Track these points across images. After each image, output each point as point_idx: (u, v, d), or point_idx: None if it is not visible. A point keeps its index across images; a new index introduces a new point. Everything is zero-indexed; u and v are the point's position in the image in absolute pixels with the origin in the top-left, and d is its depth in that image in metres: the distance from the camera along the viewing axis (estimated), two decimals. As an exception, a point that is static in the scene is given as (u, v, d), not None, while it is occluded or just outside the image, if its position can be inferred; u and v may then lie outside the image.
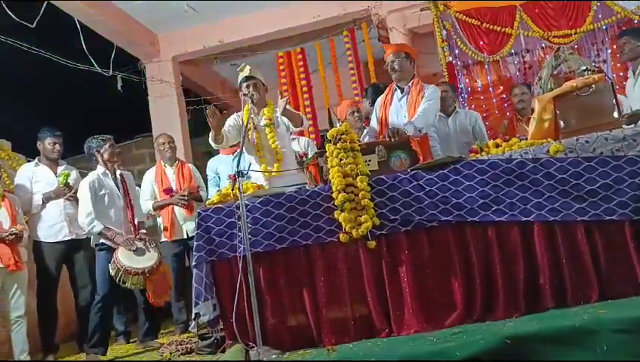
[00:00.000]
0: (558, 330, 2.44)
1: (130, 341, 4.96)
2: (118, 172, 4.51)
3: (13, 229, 4.20)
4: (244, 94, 3.83)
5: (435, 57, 7.17)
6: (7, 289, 4.33)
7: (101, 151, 4.43)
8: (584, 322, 2.46)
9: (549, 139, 3.15)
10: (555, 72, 3.36)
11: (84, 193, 4.28)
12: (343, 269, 3.16)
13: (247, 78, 3.87)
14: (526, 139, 3.33)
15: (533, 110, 5.10)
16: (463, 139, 4.63)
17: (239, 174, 3.18)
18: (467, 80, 7.56)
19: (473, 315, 3.01)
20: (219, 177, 5.11)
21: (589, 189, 2.97)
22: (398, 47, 4.25)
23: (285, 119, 3.90)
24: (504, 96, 7.61)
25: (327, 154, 3.30)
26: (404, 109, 4.05)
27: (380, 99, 4.26)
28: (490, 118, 7.28)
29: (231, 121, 3.99)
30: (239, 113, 3.99)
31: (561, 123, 3.18)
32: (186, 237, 4.97)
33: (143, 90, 7.33)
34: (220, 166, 5.17)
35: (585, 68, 3.24)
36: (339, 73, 7.15)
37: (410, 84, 4.08)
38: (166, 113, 7.17)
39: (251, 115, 3.79)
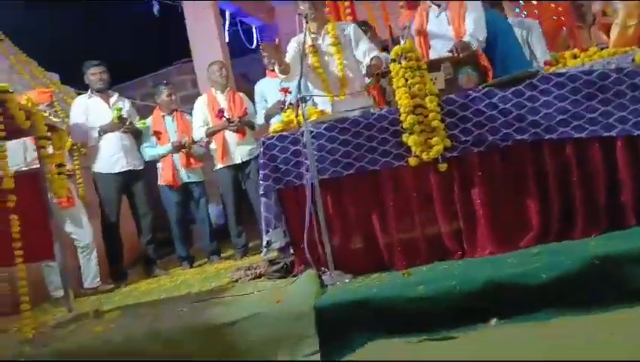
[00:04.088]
0: (650, 250, 2.36)
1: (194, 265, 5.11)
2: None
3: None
4: (299, 13, 3.64)
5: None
6: (67, 223, 4.45)
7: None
8: (677, 241, 2.37)
9: (633, 47, 2.92)
10: (639, -28, 3.06)
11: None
12: (412, 193, 3.09)
13: None
14: (605, 47, 3.10)
15: (595, 16, 4.79)
16: None
17: (302, 100, 3.08)
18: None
19: (549, 235, 2.93)
20: (266, 100, 5.00)
21: (678, 100, 2.78)
22: None
23: (353, 37, 3.72)
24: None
25: (391, 74, 3.15)
26: (444, 25, 3.79)
27: (416, 18, 3.99)
28: (545, 25, 6.85)
29: (290, 50, 3.83)
30: (297, 37, 3.80)
31: (648, 28, 2.93)
32: (239, 162, 4.97)
33: (180, 14, 7.13)
34: (267, 89, 5.04)
35: (675, -34, 2.94)
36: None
37: None
38: (204, 36, 6.98)
39: (309, 37, 3.62)
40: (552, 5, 6.60)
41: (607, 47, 3.09)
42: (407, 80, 3.06)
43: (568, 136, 2.90)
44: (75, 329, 3.11)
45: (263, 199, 3.23)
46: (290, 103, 3.67)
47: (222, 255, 5.22)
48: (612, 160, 2.89)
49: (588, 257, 2.40)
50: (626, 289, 2.30)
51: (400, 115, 3.04)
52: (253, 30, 9.53)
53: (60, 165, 3.22)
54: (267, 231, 3.23)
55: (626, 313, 2.23)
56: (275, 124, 3.54)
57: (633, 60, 2.82)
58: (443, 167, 3.01)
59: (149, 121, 5.05)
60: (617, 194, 2.89)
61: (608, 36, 3.48)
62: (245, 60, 8.62)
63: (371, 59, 3.68)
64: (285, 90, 4.47)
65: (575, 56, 3.06)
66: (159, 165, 5.05)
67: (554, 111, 2.91)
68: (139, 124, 4.92)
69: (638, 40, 2.97)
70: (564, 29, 4.91)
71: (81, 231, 4.54)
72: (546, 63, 3.13)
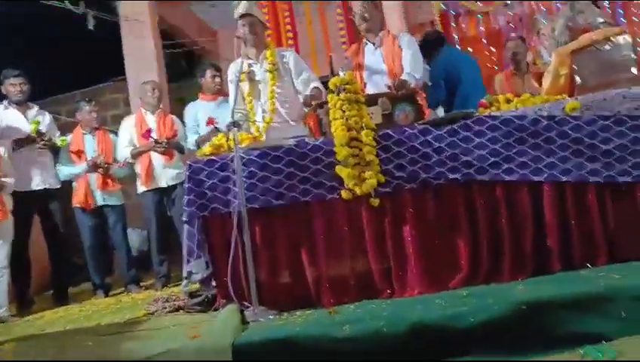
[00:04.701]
0: (575, 297, 2.34)
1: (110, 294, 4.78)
2: None
3: None
4: (238, 36, 3.52)
5: (423, 8, 6.90)
6: None
7: None
8: (600, 289, 2.37)
9: (564, 96, 3.00)
10: (570, 24, 3.17)
11: None
12: (343, 227, 3.00)
13: (243, 16, 3.56)
14: (537, 94, 3.17)
15: (528, 64, 4.99)
16: None
17: (234, 124, 2.95)
18: (457, 31, 7.36)
19: (478, 277, 2.90)
20: (198, 125, 4.83)
21: (604, 150, 2.84)
22: None
23: (292, 65, 3.64)
24: (492, 48, 7.45)
25: (329, 105, 3.08)
26: (380, 62, 3.81)
27: (353, 56, 4.00)
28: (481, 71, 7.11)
29: (230, 76, 3.70)
30: (236, 62, 3.65)
31: (578, 79, 3.02)
32: (164, 185, 4.74)
33: (117, 31, 6.87)
34: (200, 113, 4.87)
35: (603, 20, 3.06)
36: (325, 19, 6.82)
37: (380, 35, 3.86)
38: (142, 56, 6.72)
39: (247, 62, 3.50)
40: (487, 53, 6.88)
41: (539, 94, 3.15)
42: (344, 112, 3.00)
43: (499, 178, 2.91)
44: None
45: (186, 226, 3.04)
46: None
47: (143, 284, 4.93)
48: (540, 205, 2.92)
49: (515, 302, 2.35)
50: (552, 335, 2.26)
51: (335, 147, 2.97)
52: (194, 54, 9.34)
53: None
54: (188, 261, 3.03)
55: (552, 359, 2.19)
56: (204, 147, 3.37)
57: (564, 109, 2.88)
58: (375, 202, 2.94)
59: (69, 137, 4.75)
60: (544, 239, 2.90)
61: (540, 84, 3.59)
62: (182, 85, 8.41)
63: (311, 89, 3.61)
64: (211, 121, 4.34)
65: (508, 101, 3.10)
66: (75, 185, 4.74)
67: (486, 152, 2.92)
68: (58, 141, 4.61)
69: (569, 88, 3.06)
70: (499, 75, 5.05)
71: (4, 248, 4.12)
72: (480, 105, 3.15)
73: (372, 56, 3.87)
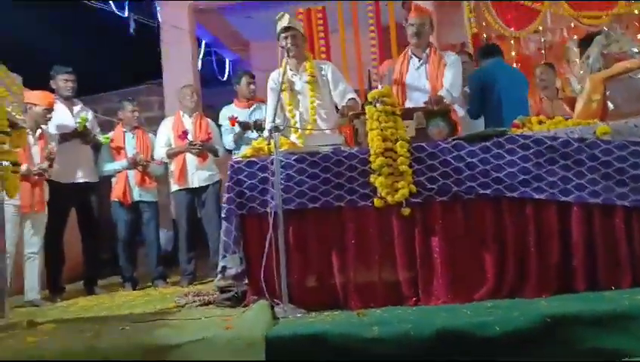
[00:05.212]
0: (599, 314, 2.42)
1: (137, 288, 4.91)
2: None
3: (42, 165, 4.13)
4: (282, 47, 3.68)
5: (455, 29, 7.00)
6: (24, 225, 4.24)
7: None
8: (625, 307, 2.45)
9: (595, 120, 3.09)
10: (604, 52, 3.27)
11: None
12: (374, 234, 3.11)
13: (286, 29, 3.71)
14: (569, 118, 3.27)
15: (558, 90, 5.07)
16: None
17: (276, 129, 3.09)
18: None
19: (503, 291, 2.98)
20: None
21: (632, 174, 2.92)
22: (425, 13, 4.04)
23: (330, 77, 3.79)
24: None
25: (366, 116, 3.20)
26: (422, 78, 3.88)
27: (396, 67, 4.09)
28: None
29: (271, 83, 3.86)
30: (276, 75, 3.82)
31: (610, 105, 3.11)
32: (196, 186, 4.89)
33: (156, 35, 7.12)
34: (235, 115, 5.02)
35: (637, 50, 3.16)
36: (359, 36, 6.97)
37: (427, 52, 3.92)
38: (179, 61, 6.96)
39: (288, 72, 3.65)
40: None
41: (571, 118, 3.25)
42: (380, 123, 3.12)
43: (528, 196, 3.00)
44: (5, 338, 2.91)
45: (224, 223, 3.17)
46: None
47: (169, 281, 5.06)
48: (567, 225, 3.00)
49: (541, 315, 2.43)
50: (576, 349, 2.34)
51: (370, 156, 3.09)
52: (226, 63, 9.59)
53: (15, 164, 3.06)
54: (224, 256, 3.16)
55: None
56: (245, 149, 3.52)
57: (594, 133, 2.97)
58: (406, 211, 3.05)
59: (110, 135, 4.95)
60: (569, 258, 2.98)
61: (572, 108, 3.68)
62: (214, 92, 8.62)
63: (348, 100, 3.74)
64: (234, 121, 4.52)
65: (541, 122, 3.20)
66: (114, 180, 4.92)
67: (517, 170, 3.01)
68: (102, 138, 4.81)
69: (601, 114, 3.14)
70: (529, 99, 5.13)
71: (37, 236, 4.30)
72: (513, 125, 3.25)
73: (415, 71, 3.92)
